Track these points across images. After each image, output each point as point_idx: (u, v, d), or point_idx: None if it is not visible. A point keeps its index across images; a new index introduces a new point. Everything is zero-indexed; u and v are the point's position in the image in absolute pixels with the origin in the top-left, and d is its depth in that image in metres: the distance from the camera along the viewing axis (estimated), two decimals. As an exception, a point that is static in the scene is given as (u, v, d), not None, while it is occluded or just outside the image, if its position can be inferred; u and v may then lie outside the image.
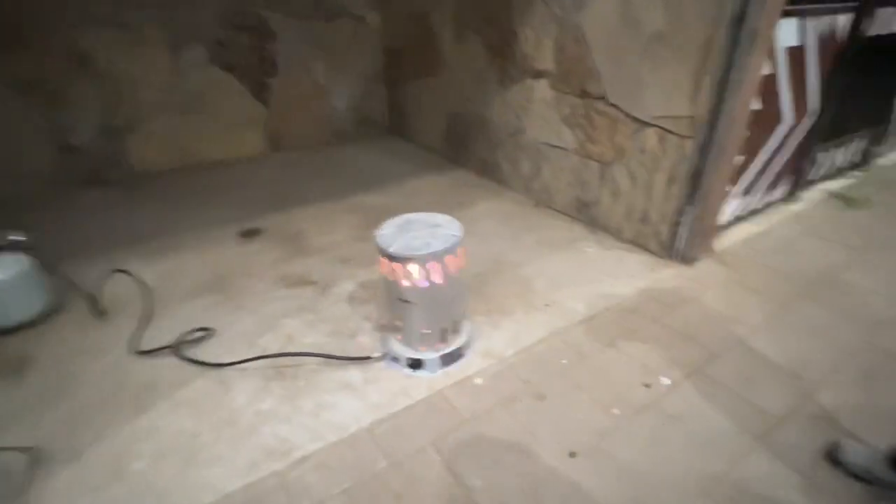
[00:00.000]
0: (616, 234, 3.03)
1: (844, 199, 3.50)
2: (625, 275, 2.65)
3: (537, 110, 3.32)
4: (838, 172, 3.87)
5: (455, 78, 4.02)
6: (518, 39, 3.27)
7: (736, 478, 1.52)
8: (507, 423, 1.73)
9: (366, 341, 2.16)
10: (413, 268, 1.75)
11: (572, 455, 1.60)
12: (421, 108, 4.69)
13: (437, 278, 1.78)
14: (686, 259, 2.73)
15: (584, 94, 2.94)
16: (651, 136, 2.64)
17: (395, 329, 2.00)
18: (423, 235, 1.83)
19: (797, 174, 3.40)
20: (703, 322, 2.27)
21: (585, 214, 3.20)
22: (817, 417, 1.75)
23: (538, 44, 3.13)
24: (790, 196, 3.48)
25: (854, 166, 4.00)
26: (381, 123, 5.31)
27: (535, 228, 3.18)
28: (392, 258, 1.76)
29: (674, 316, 2.31)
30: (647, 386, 1.89)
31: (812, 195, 3.59)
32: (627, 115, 2.72)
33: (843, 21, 2.93)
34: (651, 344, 2.13)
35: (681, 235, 2.69)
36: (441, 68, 4.15)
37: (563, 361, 2.03)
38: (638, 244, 2.91)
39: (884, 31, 3.24)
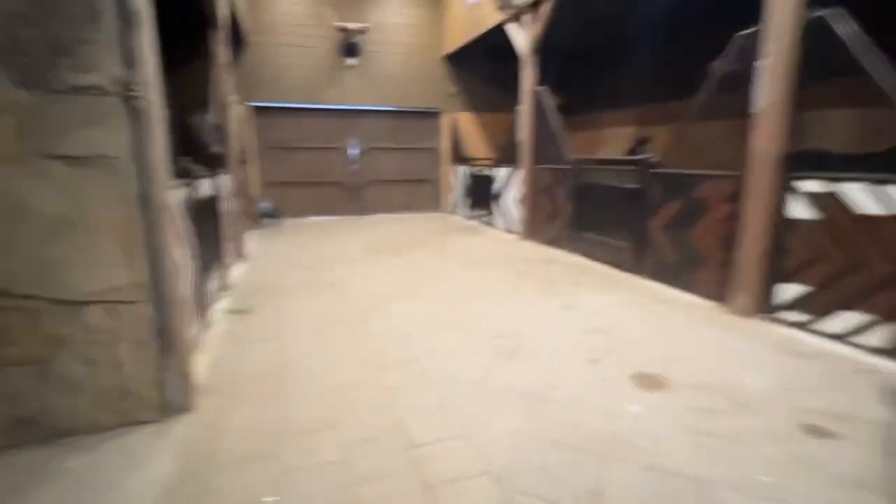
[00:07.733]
0: (93, 429, 2.57)
1: (239, 312, 4.52)
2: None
3: None
4: (221, 293, 4.88)
5: None
6: None
7: None
8: None
9: None
10: None
11: None
12: None
13: None
14: (184, 408, 2.79)
15: (-38, 295, 2.28)
16: (96, 312, 2.48)
17: None
18: None
19: (199, 306, 4.06)
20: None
21: (33, 432, 2.48)
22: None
23: None
24: (205, 324, 4.10)
25: (223, 288, 5.15)
26: None
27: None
28: None
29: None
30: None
31: (217, 316, 4.38)
32: (54, 300, 2.40)
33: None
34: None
35: (171, 390, 2.72)
36: None
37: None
38: (128, 423, 2.64)
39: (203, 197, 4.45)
